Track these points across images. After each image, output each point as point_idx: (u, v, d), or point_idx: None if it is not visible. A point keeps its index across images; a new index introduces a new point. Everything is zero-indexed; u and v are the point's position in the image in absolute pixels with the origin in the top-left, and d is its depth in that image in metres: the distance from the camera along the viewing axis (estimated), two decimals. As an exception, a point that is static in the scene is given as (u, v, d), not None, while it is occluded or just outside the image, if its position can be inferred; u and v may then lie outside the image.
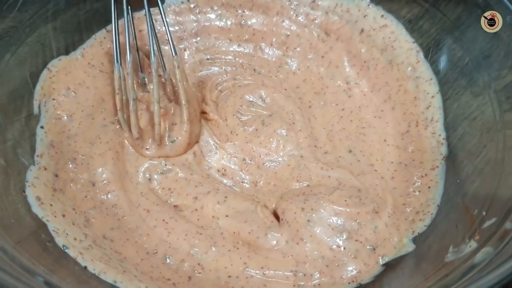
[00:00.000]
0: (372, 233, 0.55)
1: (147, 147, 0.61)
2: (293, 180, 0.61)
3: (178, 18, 0.70)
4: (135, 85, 0.61)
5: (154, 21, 0.62)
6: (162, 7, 0.60)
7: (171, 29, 0.69)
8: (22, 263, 0.44)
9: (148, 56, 0.66)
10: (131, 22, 0.61)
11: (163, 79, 0.66)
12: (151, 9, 0.62)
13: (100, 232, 0.55)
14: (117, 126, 0.63)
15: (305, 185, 0.60)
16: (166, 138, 0.62)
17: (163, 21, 0.60)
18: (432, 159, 0.59)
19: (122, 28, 0.60)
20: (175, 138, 0.61)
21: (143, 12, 0.67)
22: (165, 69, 0.63)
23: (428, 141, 0.60)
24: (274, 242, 0.55)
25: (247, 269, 0.54)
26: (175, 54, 0.60)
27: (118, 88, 0.60)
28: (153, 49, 0.59)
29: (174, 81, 0.63)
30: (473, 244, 0.48)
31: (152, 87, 0.61)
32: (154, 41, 0.60)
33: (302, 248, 0.54)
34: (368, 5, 0.67)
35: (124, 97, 0.60)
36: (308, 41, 0.71)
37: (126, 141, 0.62)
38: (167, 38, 0.61)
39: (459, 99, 0.60)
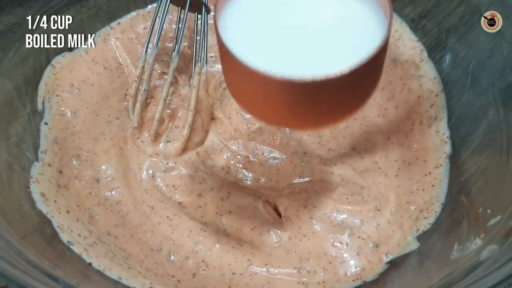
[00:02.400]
0: (374, 230, 0.55)
1: (142, 140, 0.61)
2: (296, 175, 0.61)
3: (181, 15, 0.70)
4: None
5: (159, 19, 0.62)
6: (207, 17, 0.63)
7: (174, 27, 0.68)
8: (28, 258, 0.44)
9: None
10: (164, 16, 0.62)
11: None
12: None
13: (104, 228, 0.55)
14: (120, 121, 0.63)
15: (307, 180, 0.60)
16: (163, 137, 0.62)
17: (204, 29, 0.63)
18: (436, 157, 0.59)
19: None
20: (171, 140, 0.61)
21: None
22: (193, 76, 0.63)
23: (432, 139, 0.60)
24: (277, 238, 0.55)
25: (251, 266, 0.54)
26: (205, 62, 0.63)
27: (138, 76, 0.62)
28: (179, 49, 0.61)
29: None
30: (478, 242, 0.48)
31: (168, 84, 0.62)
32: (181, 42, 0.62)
33: (305, 244, 0.55)
34: (372, 4, 0.67)
35: (140, 87, 0.62)
36: (312, 40, 0.71)
37: (128, 133, 0.63)
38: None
39: (463, 98, 0.60)
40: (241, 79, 0.42)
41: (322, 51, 0.41)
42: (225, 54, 0.40)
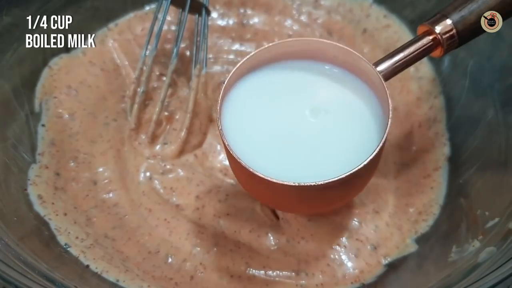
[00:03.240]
0: (372, 232, 0.55)
1: (139, 142, 0.61)
2: None
3: (181, 17, 0.70)
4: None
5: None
6: (207, 19, 0.64)
7: (173, 28, 0.68)
8: (25, 260, 0.44)
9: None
10: (164, 17, 0.62)
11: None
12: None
13: (101, 231, 0.55)
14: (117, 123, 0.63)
15: None
16: (160, 139, 0.61)
17: (204, 32, 0.63)
18: (435, 159, 0.59)
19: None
20: (168, 142, 0.61)
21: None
22: (192, 78, 0.62)
23: (431, 141, 0.60)
24: (275, 241, 0.55)
25: (249, 268, 0.54)
26: (205, 65, 0.63)
27: (136, 77, 0.61)
28: (178, 51, 0.61)
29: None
30: (476, 244, 0.48)
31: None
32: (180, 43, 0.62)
33: (303, 247, 0.54)
34: (371, 5, 0.67)
35: (138, 88, 0.62)
36: (310, 41, 0.71)
37: (125, 135, 0.62)
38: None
39: (461, 100, 0.60)
40: (251, 181, 0.45)
41: (322, 153, 0.45)
42: (234, 160, 0.43)
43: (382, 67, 0.46)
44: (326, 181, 0.41)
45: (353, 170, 0.41)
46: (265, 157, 0.44)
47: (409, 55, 0.47)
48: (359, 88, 0.48)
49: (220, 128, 0.44)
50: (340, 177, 0.41)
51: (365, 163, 0.41)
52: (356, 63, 0.47)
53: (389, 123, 0.43)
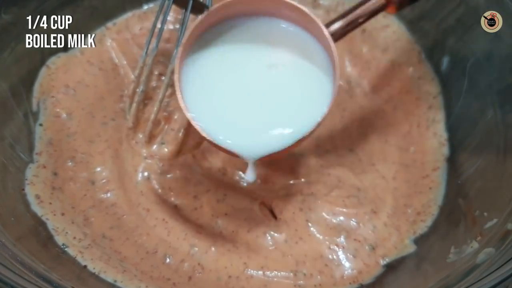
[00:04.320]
0: (370, 232, 0.55)
1: (136, 141, 0.61)
2: (292, 176, 0.61)
3: (179, 17, 0.70)
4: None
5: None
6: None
7: (171, 28, 0.68)
8: (22, 260, 0.44)
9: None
10: (166, 17, 0.61)
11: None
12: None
13: (99, 231, 0.55)
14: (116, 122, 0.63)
15: (303, 181, 0.60)
16: (158, 139, 0.61)
17: None
18: (434, 160, 0.59)
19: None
20: (165, 142, 0.61)
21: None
22: None
23: (429, 142, 0.60)
24: (273, 241, 0.55)
25: (247, 269, 0.54)
26: None
27: (136, 76, 0.61)
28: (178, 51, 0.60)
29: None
30: (474, 245, 0.48)
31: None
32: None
33: (302, 247, 0.55)
34: (370, 5, 0.67)
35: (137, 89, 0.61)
36: (309, 40, 0.71)
37: (123, 134, 0.62)
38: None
39: (460, 100, 0.60)
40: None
41: (277, 107, 0.48)
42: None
43: (334, 27, 0.48)
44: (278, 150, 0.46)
45: (303, 135, 0.46)
46: (224, 112, 0.48)
47: (362, 13, 0.49)
48: (313, 47, 0.50)
49: (179, 92, 0.48)
50: (289, 144, 0.46)
51: (311, 128, 0.46)
52: (309, 24, 0.49)
53: (335, 87, 0.46)
